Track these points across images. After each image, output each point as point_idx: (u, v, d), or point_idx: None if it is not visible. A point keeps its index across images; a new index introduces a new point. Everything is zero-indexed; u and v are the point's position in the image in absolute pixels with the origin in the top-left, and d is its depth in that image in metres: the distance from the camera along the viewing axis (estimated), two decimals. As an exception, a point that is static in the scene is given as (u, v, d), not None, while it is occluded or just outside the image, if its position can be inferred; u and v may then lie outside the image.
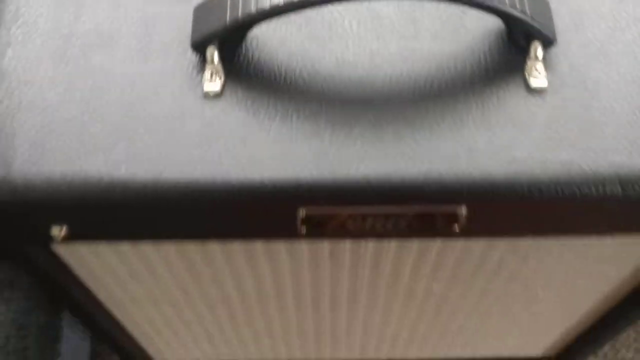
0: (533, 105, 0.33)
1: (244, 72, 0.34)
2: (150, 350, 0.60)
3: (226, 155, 0.32)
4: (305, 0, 0.31)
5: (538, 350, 0.62)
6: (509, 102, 0.33)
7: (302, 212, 0.32)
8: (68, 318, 0.80)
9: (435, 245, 0.37)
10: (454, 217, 0.32)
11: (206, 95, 0.33)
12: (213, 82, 0.33)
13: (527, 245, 0.38)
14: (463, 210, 0.32)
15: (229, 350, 0.60)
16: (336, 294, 0.43)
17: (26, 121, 0.33)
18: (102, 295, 0.44)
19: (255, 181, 0.31)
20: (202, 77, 0.34)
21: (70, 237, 0.34)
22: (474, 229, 0.34)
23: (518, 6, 0.32)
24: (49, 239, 0.34)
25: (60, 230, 0.34)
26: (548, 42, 0.33)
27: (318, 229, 0.33)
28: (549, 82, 0.33)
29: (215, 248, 0.37)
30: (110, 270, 0.40)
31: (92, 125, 0.33)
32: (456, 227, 0.33)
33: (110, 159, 0.32)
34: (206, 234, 0.35)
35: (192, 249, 0.37)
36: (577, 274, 0.42)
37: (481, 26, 0.35)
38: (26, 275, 0.40)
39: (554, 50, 0.34)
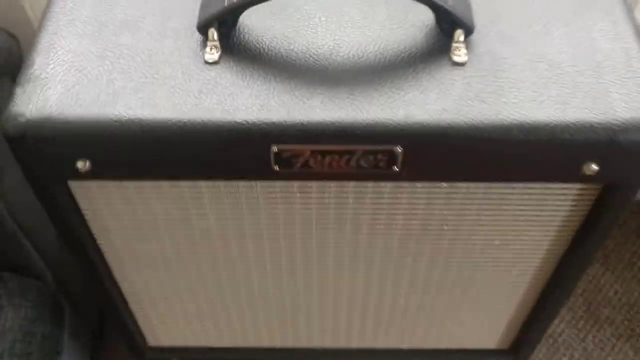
0: (455, 75, 0.43)
1: (236, 48, 0.45)
2: (145, 328, 0.67)
3: (218, 105, 0.42)
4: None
5: (491, 341, 0.69)
6: (437, 72, 0.43)
7: (274, 149, 0.42)
8: (69, 332, 0.87)
9: (386, 190, 0.46)
10: (392, 155, 0.42)
11: (206, 63, 0.44)
12: (212, 55, 0.44)
13: (462, 194, 0.47)
14: (399, 149, 0.41)
15: (216, 332, 0.67)
16: (307, 245, 0.52)
17: (66, 77, 0.43)
18: (103, 244, 0.53)
19: (240, 123, 0.41)
20: (204, 51, 0.44)
21: (90, 172, 0.43)
22: (411, 172, 0.43)
23: (448, 1, 0.42)
24: (73, 173, 0.43)
25: (84, 163, 0.43)
26: (468, 30, 0.44)
27: (287, 166, 0.43)
28: (469, 59, 0.44)
29: (203, 187, 0.46)
30: (114, 212, 0.49)
31: (117, 81, 0.43)
32: (396, 167, 0.43)
33: (129, 105, 0.42)
34: (198, 172, 0.44)
35: (186, 189, 0.46)
36: (509, 232, 0.51)
37: (419, 19, 0.46)
38: (47, 213, 0.48)
39: (474, 37, 0.45)
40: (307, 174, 0.44)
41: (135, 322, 0.66)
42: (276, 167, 0.43)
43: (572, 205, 0.48)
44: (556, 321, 0.96)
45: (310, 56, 0.44)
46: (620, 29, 0.45)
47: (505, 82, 0.43)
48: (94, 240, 0.52)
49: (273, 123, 0.41)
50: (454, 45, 0.44)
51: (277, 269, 0.55)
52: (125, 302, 0.63)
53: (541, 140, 0.41)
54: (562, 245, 0.53)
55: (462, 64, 0.43)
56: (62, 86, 0.42)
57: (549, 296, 0.60)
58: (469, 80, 0.43)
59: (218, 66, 0.44)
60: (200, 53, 0.44)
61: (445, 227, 0.49)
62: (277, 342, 0.69)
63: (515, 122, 0.41)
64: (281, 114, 0.41)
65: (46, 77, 0.43)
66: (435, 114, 0.41)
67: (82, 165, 0.43)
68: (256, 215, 0.49)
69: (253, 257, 0.54)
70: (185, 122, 0.41)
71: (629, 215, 1.32)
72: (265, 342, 0.69)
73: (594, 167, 0.43)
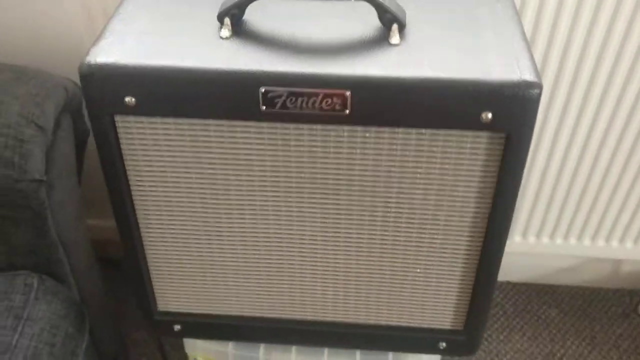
0: (390, 50, 0.62)
1: (242, 31, 0.65)
2: (157, 290, 0.81)
3: (226, 60, 0.61)
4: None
5: (446, 320, 0.81)
6: (378, 48, 0.63)
7: (262, 90, 0.60)
8: (86, 345, 1.00)
9: (344, 138, 0.63)
10: (344, 98, 0.60)
11: (220, 38, 0.64)
12: (225, 33, 0.64)
13: (401, 141, 0.63)
14: (348, 93, 0.59)
15: (216, 299, 0.81)
16: (289, 184, 0.68)
17: (122, 40, 0.64)
18: (134, 186, 0.70)
19: (239, 70, 0.60)
20: (220, 31, 0.64)
21: (134, 108, 0.62)
22: (358, 115, 0.61)
23: (390, 7, 0.63)
24: (121, 108, 0.62)
25: (130, 99, 0.62)
26: (401, 25, 0.64)
27: (271, 105, 0.61)
28: (400, 42, 0.63)
29: (211, 127, 0.64)
30: (145, 151, 0.67)
31: (158, 44, 0.63)
32: (347, 110, 0.60)
33: (164, 58, 0.61)
34: (208, 112, 0.62)
35: (198, 129, 0.64)
36: (441, 185, 0.67)
37: (371, 17, 0.66)
38: (98, 146, 0.66)
39: (406, 30, 0.64)
40: (285, 114, 0.62)
41: (150, 284, 0.81)
42: (263, 108, 0.61)
43: (485, 157, 0.64)
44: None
45: (292, 37, 0.64)
46: (503, 21, 0.66)
47: (423, 55, 0.62)
48: (127, 184, 0.70)
49: (262, 71, 0.60)
50: (391, 33, 0.63)
51: (261, 216, 0.71)
52: (145, 261, 0.78)
53: (448, 92, 0.59)
54: (485, 205, 0.68)
55: (396, 45, 0.63)
56: (119, 46, 0.63)
57: (482, 268, 0.73)
58: (399, 53, 0.62)
59: (228, 40, 0.64)
60: (218, 33, 0.65)
61: (392, 171, 0.66)
62: (266, 312, 0.82)
63: (428, 77, 0.59)
64: (268, 66, 0.60)
65: (110, 40, 0.64)
66: (374, 71, 0.60)
67: (128, 100, 0.62)
68: (247, 157, 0.66)
69: (246, 202, 0.70)
70: (202, 69, 0.60)
71: (615, 300, 1.43)
72: (256, 311, 0.82)
73: (489, 115, 0.60)
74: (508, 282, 1.47)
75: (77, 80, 1.07)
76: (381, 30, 0.65)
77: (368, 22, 0.66)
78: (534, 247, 1.29)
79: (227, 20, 0.65)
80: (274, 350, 0.87)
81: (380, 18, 0.64)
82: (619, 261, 1.39)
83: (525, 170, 1.00)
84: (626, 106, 1.04)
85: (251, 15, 0.67)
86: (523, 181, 1.07)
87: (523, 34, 0.65)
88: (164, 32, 0.65)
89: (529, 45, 0.64)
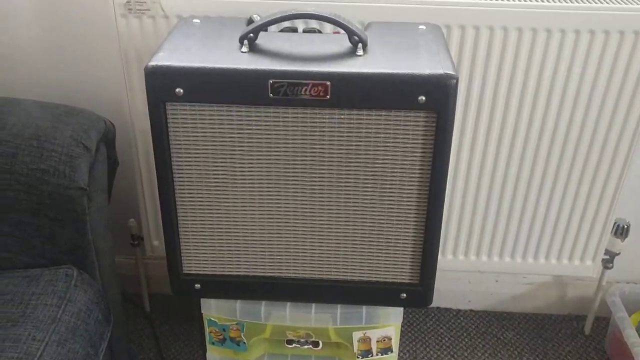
0: (356, 59, 0.92)
1: (256, 48, 0.95)
2: (184, 254, 1.05)
3: (247, 64, 0.90)
4: (278, 18, 0.93)
5: (405, 275, 1.05)
6: (349, 57, 0.92)
7: (270, 81, 0.89)
8: (108, 345, 1.21)
9: (326, 115, 0.91)
10: (326, 87, 0.88)
11: (241, 52, 0.93)
12: (244, 49, 0.94)
13: (364, 121, 0.91)
14: (328, 84, 0.88)
15: (231, 261, 1.05)
16: (286, 154, 0.95)
17: (174, 49, 0.93)
18: (176, 164, 0.96)
19: (254, 68, 0.89)
20: (241, 48, 0.94)
21: (182, 96, 0.90)
22: (335, 99, 0.89)
23: (354, 30, 0.93)
24: (173, 97, 0.90)
25: (180, 90, 0.90)
26: (364, 43, 0.94)
27: (276, 93, 0.89)
28: (363, 54, 0.93)
29: (234, 111, 0.92)
30: (185, 132, 0.94)
31: (198, 54, 0.92)
32: (328, 95, 0.89)
33: (201, 62, 0.90)
34: (231, 99, 0.91)
35: (224, 114, 0.92)
36: (393, 157, 0.94)
37: (343, 42, 0.96)
38: (152, 128, 0.93)
39: (367, 47, 0.94)
40: (286, 99, 0.90)
41: (179, 250, 1.05)
42: (271, 95, 0.90)
43: (424, 130, 0.92)
44: None
45: (290, 51, 0.94)
46: (434, 44, 0.98)
47: (379, 60, 0.92)
48: (170, 157, 0.96)
49: (271, 69, 0.89)
50: (357, 49, 0.94)
51: (266, 182, 0.98)
52: (177, 231, 1.03)
53: (395, 82, 0.89)
54: (426, 169, 0.95)
55: (360, 55, 0.93)
56: (171, 55, 0.93)
57: (429, 226, 1.00)
58: (363, 59, 0.92)
59: (246, 53, 0.94)
60: (239, 49, 0.94)
61: (360, 142, 0.93)
62: (268, 270, 1.06)
63: (381, 72, 0.89)
64: (274, 66, 0.90)
65: (165, 53, 0.93)
66: (346, 69, 0.89)
67: (178, 91, 0.90)
68: (258, 134, 0.94)
69: (255, 172, 0.97)
70: (230, 68, 0.90)
71: (564, 323, 1.66)
72: (258, 270, 1.06)
73: (423, 98, 0.89)
74: (471, 310, 1.71)
75: (113, 119, 1.36)
76: (350, 48, 0.95)
77: (341, 44, 0.97)
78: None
79: (245, 42, 0.95)
80: (272, 307, 1.10)
81: (350, 40, 0.95)
82: (565, 288, 1.67)
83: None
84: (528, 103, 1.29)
85: (262, 40, 0.98)
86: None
87: (447, 51, 0.96)
88: (201, 48, 0.95)
89: (450, 57, 0.94)
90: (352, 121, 0.92)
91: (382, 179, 0.97)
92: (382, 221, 1.01)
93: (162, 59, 0.91)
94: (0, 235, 1.15)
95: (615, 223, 1.43)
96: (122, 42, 1.21)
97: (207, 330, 1.14)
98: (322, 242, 1.04)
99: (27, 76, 1.43)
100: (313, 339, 1.14)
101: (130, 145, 1.34)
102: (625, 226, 1.43)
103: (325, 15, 0.93)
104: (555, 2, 1.17)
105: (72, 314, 1.09)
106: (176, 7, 1.16)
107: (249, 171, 0.97)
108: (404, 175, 0.97)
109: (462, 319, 1.67)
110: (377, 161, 0.96)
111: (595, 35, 1.17)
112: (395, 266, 1.05)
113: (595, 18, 1.15)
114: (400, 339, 1.43)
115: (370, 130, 0.93)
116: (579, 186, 1.36)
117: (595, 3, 1.17)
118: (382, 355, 1.13)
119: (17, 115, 1.15)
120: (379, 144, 0.94)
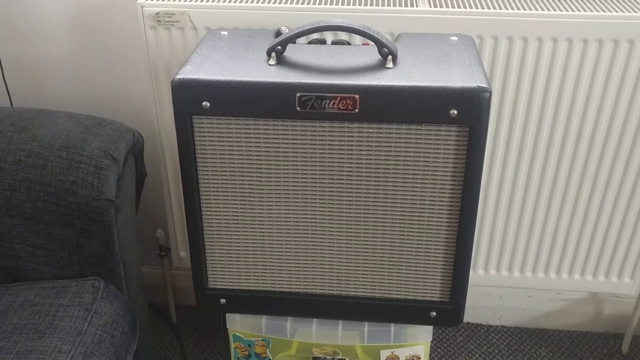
0: (386, 71, 0.90)
1: (284, 61, 0.94)
2: (210, 269, 1.04)
3: (275, 77, 0.89)
4: (306, 30, 0.91)
5: (435, 293, 1.02)
6: (378, 70, 0.90)
7: (298, 95, 0.87)
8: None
9: (355, 129, 0.89)
10: (354, 100, 0.86)
11: (268, 65, 0.92)
12: (272, 62, 0.92)
13: (394, 135, 0.89)
14: (357, 97, 0.86)
15: (256, 276, 1.03)
16: (314, 168, 0.93)
17: (200, 62, 0.92)
18: (201, 176, 0.95)
19: (283, 82, 0.88)
20: (268, 61, 0.93)
21: (208, 110, 0.89)
22: (364, 113, 0.87)
23: (384, 42, 0.91)
24: (200, 110, 0.89)
25: (206, 104, 0.89)
26: (394, 55, 0.92)
27: (303, 107, 0.87)
28: (392, 66, 0.91)
29: (260, 125, 0.91)
30: (211, 145, 0.93)
31: (225, 67, 0.91)
32: (357, 109, 0.87)
33: (228, 75, 0.89)
34: (257, 113, 0.89)
35: (251, 127, 0.91)
36: (424, 171, 0.92)
37: (373, 54, 0.94)
38: (178, 141, 0.92)
39: (397, 60, 0.92)
40: (313, 113, 0.88)
41: (205, 264, 1.04)
42: (298, 108, 0.88)
43: (455, 145, 0.89)
44: None
45: (318, 64, 0.92)
46: (466, 55, 0.95)
47: (409, 73, 0.89)
48: (196, 170, 0.95)
49: (298, 82, 0.88)
50: (387, 61, 0.92)
51: (293, 197, 0.96)
52: (203, 245, 1.02)
53: (426, 95, 0.86)
54: (458, 185, 0.92)
55: (390, 68, 0.91)
56: (198, 68, 0.92)
57: (460, 242, 0.97)
58: (393, 72, 0.90)
59: (274, 66, 0.92)
60: (267, 62, 0.93)
61: (389, 157, 0.91)
62: (293, 286, 1.04)
63: (412, 85, 0.86)
64: (302, 79, 0.88)
65: (192, 66, 0.93)
66: (375, 82, 0.87)
67: (205, 104, 0.89)
68: (285, 148, 0.92)
69: (282, 186, 0.95)
70: (257, 82, 0.88)
71: (600, 342, 1.61)
72: (284, 286, 1.04)
73: (455, 112, 0.86)
74: (502, 326, 1.67)
75: (141, 130, 1.37)
76: (380, 60, 0.93)
77: (371, 56, 0.95)
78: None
79: (273, 54, 0.93)
80: (298, 323, 1.08)
81: (380, 52, 0.93)
82: (602, 305, 1.61)
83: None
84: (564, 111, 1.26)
85: (290, 52, 0.96)
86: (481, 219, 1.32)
87: (480, 63, 0.94)
88: (228, 61, 0.94)
89: (483, 69, 0.92)
90: (381, 135, 0.90)
91: (412, 195, 0.95)
92: (412, 238, 0.98)
93: (189, 72, 0.90)
94: (30, 247, 1.16)
95: (654, 239, 1.38)
96: (151, 54, 1.21)
97: (232, 345, 1.12)
98: (349, 258, 1.02)
99: (57, 88, 1.44)
100: (340, 357, 1.11)
101: (158, 157, 1.34)
102: (666, 243, 1.37)
103: (354, 27, 0.92)
104: (591, 11, 1.14)
105: (98, 327, 1.09)
106: (205, 19, 1.15)
107: (275, 185, 0.96)
108: (435, 190, 0.94)
109: (493, 335, 1.63)
110: (407, 176, 0.93)
111: (634, 45, 1.14)
112: (425, 284, 1.03)
113: (632, 27, 1.12)
114: (429, 355, 1.40)
115: (400, 145, 0.91)
116: (617, 200, 1.32)
117: (629, 12, 1.13)
118: (410, 373, 1.11)
119: (48, 127, 1.16)
120: (409, 159, 0.92)
